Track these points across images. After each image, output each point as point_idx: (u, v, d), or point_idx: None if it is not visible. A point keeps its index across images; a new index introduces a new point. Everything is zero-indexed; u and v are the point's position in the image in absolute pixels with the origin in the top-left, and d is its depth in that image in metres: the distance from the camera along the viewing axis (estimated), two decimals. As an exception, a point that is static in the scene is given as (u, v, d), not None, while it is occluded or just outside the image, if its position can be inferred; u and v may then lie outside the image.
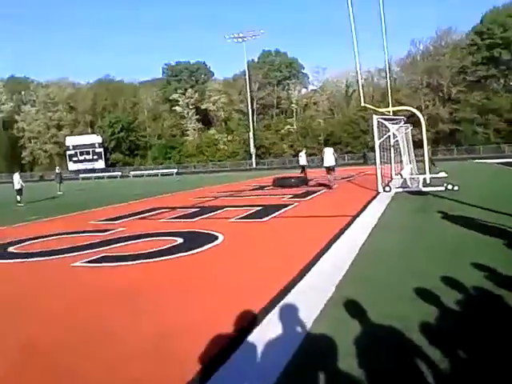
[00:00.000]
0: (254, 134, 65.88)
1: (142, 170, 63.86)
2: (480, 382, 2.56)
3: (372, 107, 16.17)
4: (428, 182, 14.15)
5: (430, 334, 3.15)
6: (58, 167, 29.79)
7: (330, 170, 16.82)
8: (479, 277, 4.36)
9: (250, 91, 68.84)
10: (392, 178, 17.47)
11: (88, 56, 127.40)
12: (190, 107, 75.05)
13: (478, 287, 4.07)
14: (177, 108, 74.84)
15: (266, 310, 3.83)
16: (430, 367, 2.70)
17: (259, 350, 3.08)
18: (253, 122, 67.84)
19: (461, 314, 3.54)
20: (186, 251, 6.55)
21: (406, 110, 19.56)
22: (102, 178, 59.26)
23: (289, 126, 69.27)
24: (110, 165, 73.57)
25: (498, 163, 29.72)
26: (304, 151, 27.07)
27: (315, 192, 15.40)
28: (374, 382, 2.59)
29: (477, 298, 3.89)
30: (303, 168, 25.09)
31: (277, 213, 10.32)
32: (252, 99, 69.94)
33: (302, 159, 25.46)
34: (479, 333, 3.18)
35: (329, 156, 16.64)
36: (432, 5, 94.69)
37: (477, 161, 34.89)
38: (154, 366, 2.95)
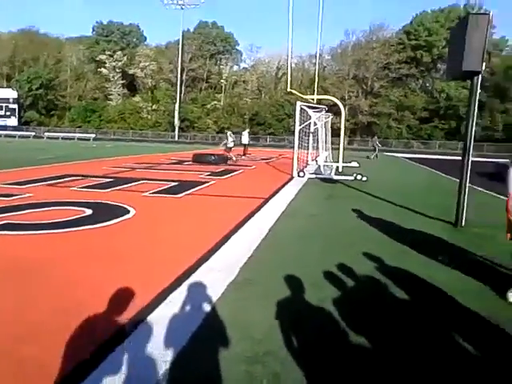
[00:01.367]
0: (179, 106, 64.43)
1: (57, 132, 59.96)
2: (359, 365, 2.83)
3: (297, 93, 16.54)
4: (340, 170, 14.84)
5: (323, 319, 3.42)
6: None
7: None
8: (371, 267, 4.75)
9: (182, 62, 67.06)
10: (308, 164, 18.09)
11: (11, 1, 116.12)
12: (117, 71, 71.50)
13: (369, 276, 4.45)
14: (103, 70, 70.93)
15: (170, 289, 3.90)
16: (319, 352, 2.95)
17: (159, 329, 3.13)
18: (180, 94, 66.30)
19: (351, 301, 3.84)
20: (94, 224, 6.40)
21: (330, 100, 20.22)
22: (14, 136, 54.88)
23: (216, 102, 68.67)
24: (24, 123, 68.50)
25: (406, 158, 31.73)
26: (247, 130, 27.66)
27: (233, 171, 15.55)
28: (267, 364, 2.75)
29: (368, 285, 4.25)
30: (244, 146, 25.59)
31: (192, 190, 10.35)
32: (182, 70, 68.21)
33: (244, 138, 25.86)
34: (369, 319, 3.48)
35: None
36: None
37: (387, 153, 36.89)
38: (51, 344, 2.89)
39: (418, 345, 3.08)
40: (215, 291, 3.87)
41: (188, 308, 3.52)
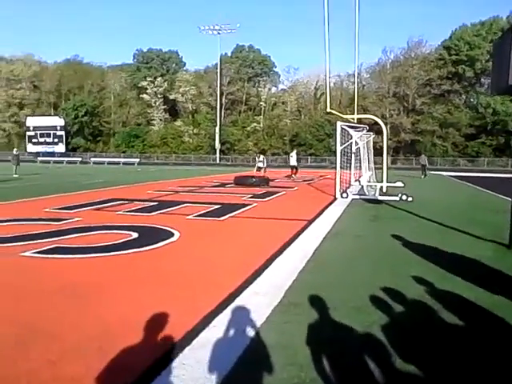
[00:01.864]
0: (220, 129, 65.52)
1: (103, 157, 62.28)
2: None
3: (337, 113, 16.47)
4: (384, 190, 14.55)
5: (370, 344, 3.31)
6: (15, 149, 29.03)
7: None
8: (419, 290, 4.58)
9: (221, 85, 68.51)
10: (351, 184, 17.88)
11: (57, 34, 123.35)
12: (158, 96, 73.97)
13: (417, 300, 4.29)
14: (144, 96, 73.58)
15: (215, 313, 3.88)
16: (366, 380, 2.84)
17: (204, 353, 3.10)
18: (220, 117, 67.54)
19: (399, 326, 3.70)
20: (140, 247, 6.52)
21: (370, 119, 20.05)
22: (62, 162, 57.37)
23: (255, 124, 69.51)
24: (71, 149, 71.60)
25: (453, 176, 30.79)
26: (295, 151, 27.41)
27: (275, 193, 15.57)
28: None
29: (416, 310, 4.09)
30: (293, 168, 25.38)
31: (235, 212, 10.40)
32: (222, 93, 69.67)
33: (293, 159, 25.59)
34: (418, 346, 3.33)
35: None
36: (408, 16, 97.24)
37: (433, 172, 35.92)
38: (96, 365, 2.92)
39: (471, 373, 2.92)
40: (260, 315, 3.82)
41: (233, 332, 3.49)
